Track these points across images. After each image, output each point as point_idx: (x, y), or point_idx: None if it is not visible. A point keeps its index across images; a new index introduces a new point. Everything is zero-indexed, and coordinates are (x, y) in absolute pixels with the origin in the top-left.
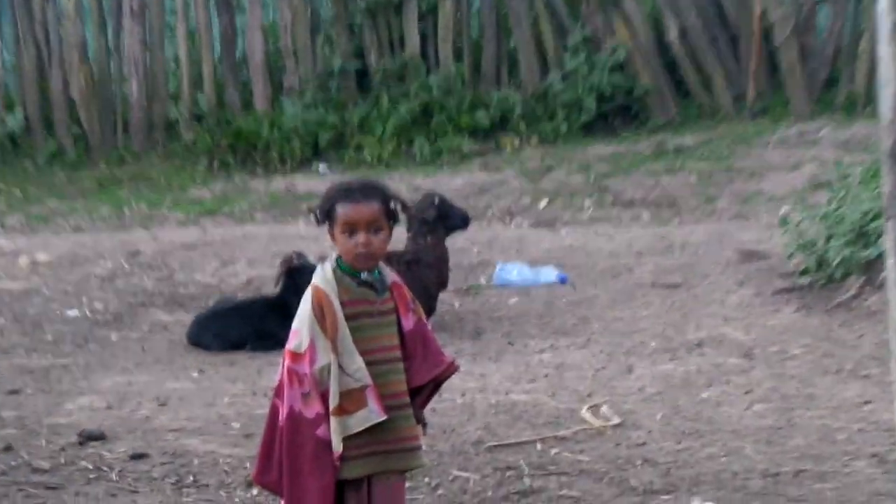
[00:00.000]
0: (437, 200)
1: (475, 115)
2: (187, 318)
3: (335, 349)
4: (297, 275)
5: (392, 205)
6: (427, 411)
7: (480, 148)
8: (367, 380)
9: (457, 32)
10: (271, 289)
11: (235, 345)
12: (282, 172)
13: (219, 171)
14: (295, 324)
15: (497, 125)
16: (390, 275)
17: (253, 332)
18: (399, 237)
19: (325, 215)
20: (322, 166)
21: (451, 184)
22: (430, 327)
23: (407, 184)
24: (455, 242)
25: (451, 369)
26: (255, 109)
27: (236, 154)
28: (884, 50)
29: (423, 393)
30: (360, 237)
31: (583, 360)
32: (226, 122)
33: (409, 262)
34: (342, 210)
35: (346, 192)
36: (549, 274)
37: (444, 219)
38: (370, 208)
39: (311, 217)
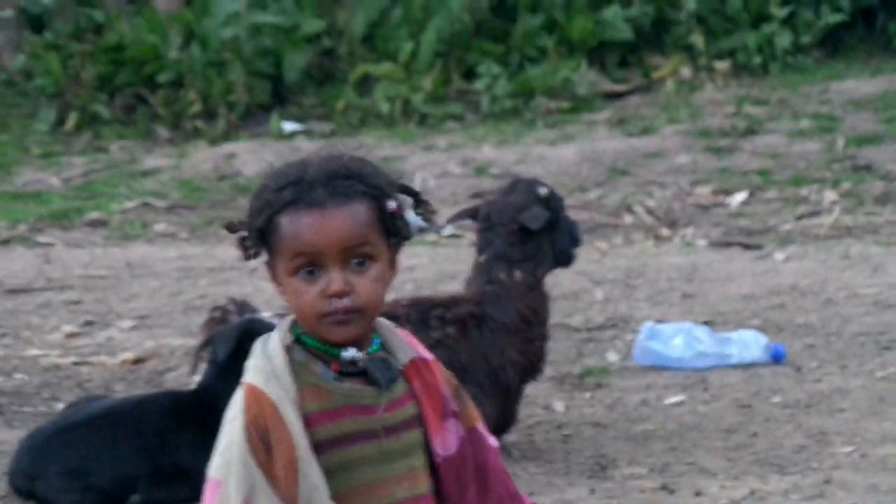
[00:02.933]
0: (544, 192)
1: (600, 16)
2: (11, 438)
3: None
4: (238, 348)
5: (391, 205)
6: None
7: (612, 84)
8: None
9: None
10: (185, 378)
11: (111, 495)
12: (208, 135)
13: (79, 133)
14: (214, 468)
15: (645, 37)
16: (403, 345)
17: (149, 468)
18: (438, 271)
19: (258, 238)
20: (289, 123)
21: (552, 157)
22: (497, 449)
23: (459, 158)
24: (556, 281)
25: None
26: (153, 7)
27: (115, 98)
28: None
29: None
30: (331, 279)
31: None
32: (92, 30)
33: (467, 319)
34: (289, 227)
35: (297, 189)
36: (750, 345)
37: (551, 233)
38: (345, 219)
39: (236, 241)
